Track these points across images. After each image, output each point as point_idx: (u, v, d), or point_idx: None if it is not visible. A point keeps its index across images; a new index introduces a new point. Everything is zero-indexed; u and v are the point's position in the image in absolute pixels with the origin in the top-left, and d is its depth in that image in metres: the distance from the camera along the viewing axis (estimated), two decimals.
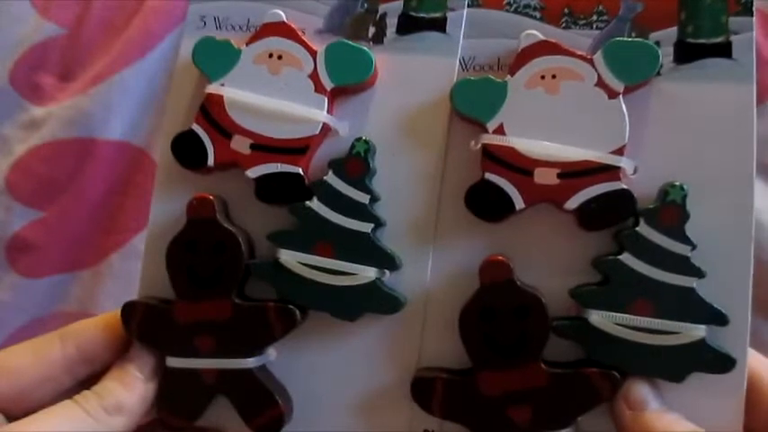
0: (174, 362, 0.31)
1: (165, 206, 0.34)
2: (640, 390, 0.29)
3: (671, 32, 0.31)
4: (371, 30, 0.33)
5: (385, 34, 0.33)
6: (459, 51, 0.32)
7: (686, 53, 0.30)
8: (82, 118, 0.47)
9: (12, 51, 0.50)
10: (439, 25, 0.32)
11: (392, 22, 0.33)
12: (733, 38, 0.30)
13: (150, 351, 0.32)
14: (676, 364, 0.29)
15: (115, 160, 0.47)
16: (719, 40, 0.30)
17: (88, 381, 0.31)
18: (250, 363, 0.31)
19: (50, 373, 0.30)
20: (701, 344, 0.28)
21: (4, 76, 0.50)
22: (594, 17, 0.31)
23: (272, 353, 0.32)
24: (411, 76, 0.32)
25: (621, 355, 0.29)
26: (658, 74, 0.30)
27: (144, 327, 0.31)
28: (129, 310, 0.32)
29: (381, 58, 0.32)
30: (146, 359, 0.31)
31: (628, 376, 0.29)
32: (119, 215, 0.47)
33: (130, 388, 0.31)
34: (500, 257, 0.30)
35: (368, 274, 0.30)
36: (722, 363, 0.29)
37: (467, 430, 0.30)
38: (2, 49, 0.50)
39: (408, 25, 0.33)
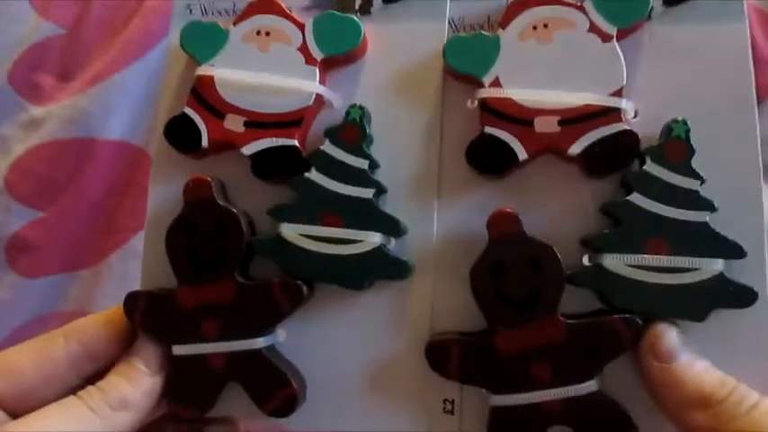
0: (180, 349, 0.30)
1: (162, 196, 0.33)
2: (668, 341, 0.27)
3: None
4: (358, 1, 0.33)
5: (372, 4, 0.32)
6: (448, 13, 0.32)
7: None
8: (81, 118, 0.47)
9: (11, 51, 0.50)
10: None
11: None
12: None
13: (156, 344, 0.30)
14: (697, 303, 0.28)
15: (114, 160, 0.47)
16: None
17: (94, 378, 0.30)
18: (259, 343, 0.30)
19: (54, 371, 0.29)
20: (719, 278, 0.27)
21: (4, 76, 0.49)
22: None
23: (281, 333, 0.31)
24: (401, 44, 0.32)
25: (641, 299, 0.28)
26: (649, 17, 0.30)
27: (148, 316, 0.30)
28: (131, 300, 0.31)
29: (370, 29, 0.32)
30: (151, 352, 0.30)
31: (650, 323, 0.28)
32: (118, 215, 0.47)
33: (135, 382, 0.29)
34: (508, 210, 0.29)
35: (373, 239, 0.29)
36: (744, 296, 0.28)
37: (486, 394, 0.29)
38: (1, 48, 0.50)
39: None
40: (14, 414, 0.28)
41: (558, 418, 0.28)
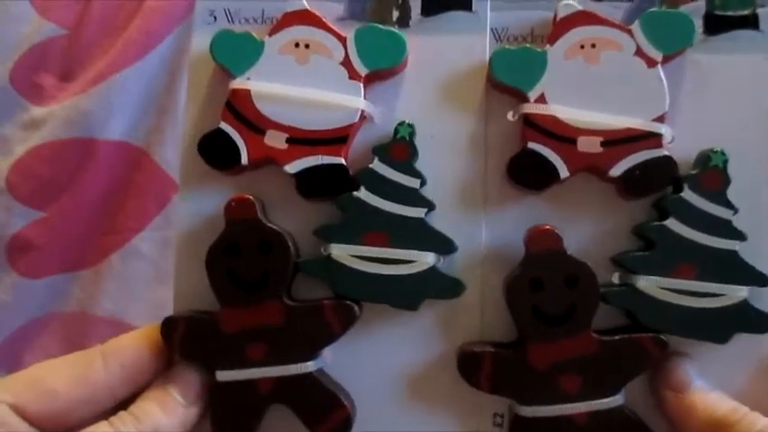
0: (224, 375, 0.29)
1: (191, 213, 0.31)
2: (682, 372, 0.29)
3: (700, 5, 0.31)
4: (395, 13, 0.32)
5: (410, 17, 0.31)
6: (492, 23, 0.31)
7: (715, 25, 0.31)
8: (82, 118, 0.46)
9: (12, 51, 0.48)
10: (464, 3, 0.31)
11: (416, 5, 0.31)
12: (760, 10, 0.31)
13: (194, 372, 0.29)
14: (721, 326, 0.29)
15: (115, 160, 0.46)
16: (746, 12, 0.31)
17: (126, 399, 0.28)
18: (310, 366, 0.29)
19: (91, 396, 0.27)
20: (743, 305, 0.29)
21: (5, 77, 0.48)
22: None
23: (327, 355, 0.30)
24: (441, 57, 0.31)
25: (669, 320, 0.29)
26: (690, 45, 0.30)
27: (188, 341, 0.29)
28: (169, 325, 0.29)
29: (409, 41, 0.31)
30: (189, 382, 0.29)
31: (669, 357, 0.29)
32: (119, 215, 0.46)
33: (170, 413, 0.28)
34: (548, 227, 0.29)
35: (427, 259, 0.29)
36: (764, 323, 0.29)
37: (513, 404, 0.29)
38: (2, 49, 0.48)
39: (432, 6, 0.31)
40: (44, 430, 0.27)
41: (583, 430, 0.28)
